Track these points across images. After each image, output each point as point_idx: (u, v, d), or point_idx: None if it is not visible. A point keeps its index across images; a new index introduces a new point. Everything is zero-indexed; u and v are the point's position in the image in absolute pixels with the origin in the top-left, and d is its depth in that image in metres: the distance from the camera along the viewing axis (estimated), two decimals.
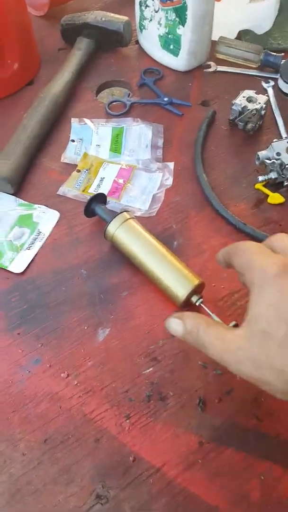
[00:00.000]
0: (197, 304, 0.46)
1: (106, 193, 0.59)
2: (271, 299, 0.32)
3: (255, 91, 0.65)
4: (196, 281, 0.46)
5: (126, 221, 0.50)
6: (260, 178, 0.58)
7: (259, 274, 0.34)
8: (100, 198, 0.54)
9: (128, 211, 0.52)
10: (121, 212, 0.51)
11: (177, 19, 0.69)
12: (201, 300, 0.46)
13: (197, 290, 0.47)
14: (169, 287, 0.47)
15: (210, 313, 0.45)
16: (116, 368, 0.45)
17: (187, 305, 0.47)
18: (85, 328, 0.48)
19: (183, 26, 0.69)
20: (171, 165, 0.61)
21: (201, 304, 0.46)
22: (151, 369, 0.45)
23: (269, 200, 0.57)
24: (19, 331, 0.48)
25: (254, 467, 0.39)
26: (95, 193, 0.59)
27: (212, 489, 0.39)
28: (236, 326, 0.42)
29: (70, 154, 0.64)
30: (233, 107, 0.64)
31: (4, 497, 0.39)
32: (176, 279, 0.47)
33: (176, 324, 0.37)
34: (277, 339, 0.31)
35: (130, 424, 0.42)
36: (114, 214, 0.51)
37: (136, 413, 0.42)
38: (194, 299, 0.46)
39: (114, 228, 0.50)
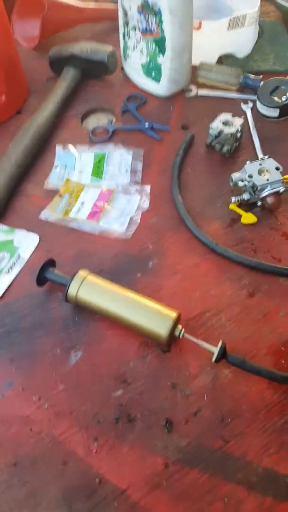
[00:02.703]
0: (180, 336, 0.46)
1: (85, 217, 0.60)
2: None
3: (231, 114, 0.66)
4: (173, 315, 0.46)
5: (85, 279, 0.48)
6: (233, 199, 0.58)
7: None
8: (49, 264, 0.51)
9: (82, 268, 0.50)
10: (76, 272, 0.49)
11: (157, 48, 0.71)
12: (183, 331, 0.46)
13: (177, 322, 0.46)
14: (150, 330, 0.46)
15: (195, 340, 0.45)
16: (86, 391, 0.45)
17: (171, 340, 0.46)
18: (58, 351, 0.48)
19: (163, 55, 0.71)
20: (147, 188, 0.62)
21: (185, 335, 0.46)
22: (120, 391, 0.45)
23: (243, 220, 0.58)
24: None
25: (218, 488, 0.39)
26: (76, 217, 0.60)
27: (175, 511, 0.38)
28: (223, 346, 0.42)
29: (53, 180, 0.65)
30: (210, 131, 0.65)
31: None
32: (154, 320, 0.45)
33: None
34: None
35: (98, 446, 0.42)
36: (68, 275, 0.49)
37: (104, 435, 0.42)
38: (177, 332, 0.46)
39: (75, 290, 0.48)
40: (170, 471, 0.40)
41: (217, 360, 0.44)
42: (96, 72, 0.80)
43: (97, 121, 0.77)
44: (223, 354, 0.44)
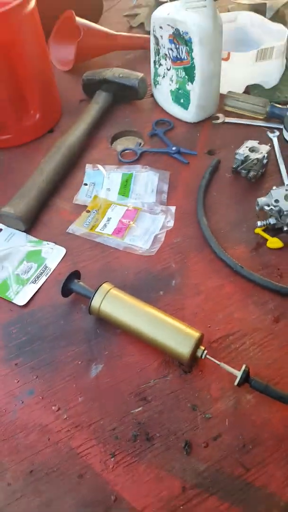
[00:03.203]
0: (202, 357, 0.45)
1: (111, 232, 0.61)
2: None
3: (258, 141, 0.68)
4: (196, 335, 0.45)
5: (108, 292, 0.49)
6: (259, 223, 0.59)
7: None
8: (74, 276, 0.52)
9: (107, 281, 0.51)
10: (100, 285, 0.50)
11: (187, 76, 0.74)
12: (205, 352, 0.46)
13: (199, 343, 0.46)
14: (173, 348, 0.45)
15: (218, 363, 0.45)
16: (105, 405, 0.45)
17: (193, 361, 0.46)
18: (79, 363, 0.48)
19: (192, 83, 0.74)
20: (173, 208, 0.64)
21: (207, 356, 0.45)
22: (140, 408, 0.45)
23: (268, 244, 0.58)
24: (16, 362, 0.49)
25: None
26: (102, 232, 0.61)
27: None
28: (247, 370, 0.42)
29: (81, 197, 0.67)
30: (236, 156, 0.67)
31: None
32: (177, 339, 0.45)
33: None
34: None
35: (115, 463, 0.41)
36: (92, 288, 0.50)
37: (121, 451, 0.42)
38: (199, 353, 0.45)
39: (99, 302, 0.48)
40: (188, 495, 0.39)
41: (239, 384, 0.43)
42: (126, 96, 0.84)
43: (126, 143, 0.79)
44: (246, 378, 0.43)
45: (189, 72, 0.73)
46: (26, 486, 0.40)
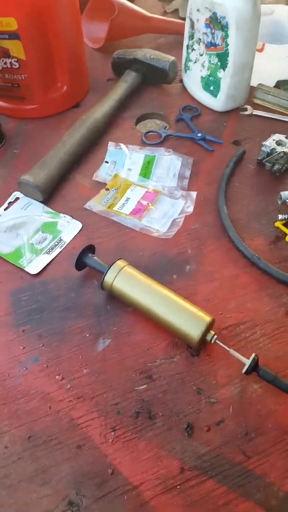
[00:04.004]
0: (212, 342, 0.45)
1: (129, 212, 0.61)
2: None
3: (285, 136, 0.67)
4: (207, 319, 0.45)
5: (122, 269, 0.49)
6: (280, 216, 0.59)
7: None
8: (89, 249, 0.52)
9: (121, 258, 0.51)
10: (115, 261, 0.50)
11: (219, 63, 0.73)
12: (215, 337, 0.46)
13: (210, 327, 0.46)
14: (182, 330, 0.45)
15: (227, 348, 0.44)
16: (110, 380, 0.45)
17: (202, 345, 0.46)
18: (87, 335, 0.48)
19: (224, 70, 0.73)
20: (194, 194, 0.63)
21: (217, 341, 0.45)
22: (144, 386, 0.45)
23: (287, 239, 0.58)
24: (24, 329, 0.49)
25: (235, 505, 0.38)
26: (119, 211, 0.61)
27: None
28: (256, 359, 0.42)
29: (102, 174, 0.67)
30: (262, 148, 0.66)
31: None
32: (188, 321, 0.45)
33: None
34: None
35: (115, 437, 0.41)
36: (106, 263, 0.50)
37: (122, 427, 0.42)
38: (208, 337, 0.45)
39: (112, 278, 0.48)
40: (186, 476, 0.39)
41: (247, 372, 0.43)
42: (155, 79, 0.83)
43: (151, 125, 0.78)
44: (254, 367, 0.43)
45: (222, 59, 0.72)
46: (23, 451, 0.41)
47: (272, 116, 0.79)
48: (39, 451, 0.41)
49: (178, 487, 0.38)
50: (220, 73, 0.74)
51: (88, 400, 0.43)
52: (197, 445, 0.41)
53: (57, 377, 0.45)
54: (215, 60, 0.74)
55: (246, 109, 0.79)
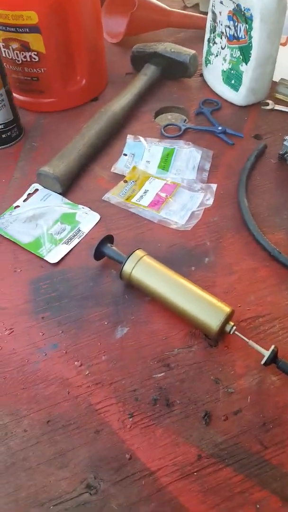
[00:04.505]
0: (231, 333, 0.46)
1: (147, 204, 0.62)
2: None
3: None
4: (227, 310, 0.46)
5: (141, 259, 0.50)
6: None
7: None
8: (108, 239, 0.54)
9: (140, 248, 0.52)
10: (134, 251, 0.51)
11: (241, 56, 0.74)
12: (234, 328, 0.47)
13: (229, 318, 0.47)
14: (201, 320, 0.46)
15: (246, 340, 0.45)
16: (128, 367, 0.46)
17: (220, 335, 0.47)
18: (105, 323, 0.50)
19: (246, 64, 0.74)
20: (214, 186, 0.64)
21: (236, 332, 0.46)
22: (162, 374, 0.46)
23: None
24: (43, 316, 0.51)
25: (251, 493, 0.39)
26: (138, 203, 0.63)
27: (203, 505, 0.38)
28: (275, 350, 0.42)
29: (120, 166, 0.69)
30: (284, 142, 0.67)
31: None
32: (207, 311, 0.46)
33: None
34: None
35: (132, 423, 0.43)
36: (125, 254, 0.52)
37: (140, 413, 0.43)
38: (228, 328, 0.46)
39: (130, 268, 0.50)
40: (203, 463, 0.40)
41: (266, 363, 0.44)
42: (175, 73, 0.85)
43: (170, 119, 0.80)
44: (273, 358, 0.44)
45: (245, 52, 0.73)
46: (42, 434, 0.42)
47: None
48: (58, 435, 0.42)
49: (195, 473, 0.40)
50: (242, 67, 0.75)
51: (107, 386, 0.45)
52: (214, 434, 0.42)
53: (76, 363, 0.47)
54: (237, 53, 0.75)
55: (267, 104, 0.80)
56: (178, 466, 0.40)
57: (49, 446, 0.41)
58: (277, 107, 0.80)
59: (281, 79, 0.81)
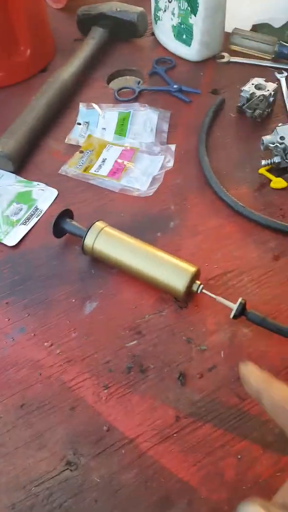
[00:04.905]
0: (198, 291, 0.46)
1: (106, 174, 0.61)
2: None
3: (264, 79, 0.66)
4: (192, 269, 0.46)
5: (102, 230, 0.50)
6: (263, 162, 0.59)
7: None
8: (66, 214, 0.52)
9: (100, 219, 0.51)
10: (93, 223, 0.50)
11: (189, 8, 0.72)
12: (201, 286, 0.46)
13: (195, 278, 0.47)
14: (168, 283, 0.46)
15: (214, 296, 0.45)
16: (99, 340, 0.46)
17: (188, 296, 0.47)
18: (73, 301, 0.49)
19: (195, 15, 0.71)
20: (172, 147, 0.63)
21: (203, 290, 0.46)
22: (134, 342, 0.46)
23: (272, 184, 0.58)
24: (7, 301, 0.50)
25: (231, 445, 0.39)
26: (96, 173, 0.61)
27: (185, 464, 0.39)
28: (243, 302, 0.42)
29: (75, 136, 0.66)
30: (242, 93, 0.66)
31: None
32: (172, 274, 0.46)
33: None
34: None
35: (108, 394, 0.42)
36: (86, 227, 0.50)
37: (115, 383, 0.43)
38: (195, 287, 0.46)
39: (92, 241, 0.49)
40: (182, 424, 0.41)
41: (235, 317, 0.44)
42: (125, 33, 0.81)
43: (124, 83, 0.77)
44: (242, 311, 0.44)
45: (192, 3, 0.70)
46: (17, 419, 0.42)
47: (251, 62, 0.77)
48: (33, 417, 0.42)
49: (174, 435, 0.40)
50: (192, 19, 0.72)
51: (79, 362, 0.45)
52: (190, 393, 0.42)
53: (45, 343, 0.46)
54: (185, 5, 0.72)
55: (223, 57, 0.78)
56: (157, 430, 0.40)
57: (25, 429, 0.41)
58: (233, 59, 0.78)
59: (235, 28, 0.79)
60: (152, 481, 0.38)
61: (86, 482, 0.38)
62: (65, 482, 0.38)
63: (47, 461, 0.40)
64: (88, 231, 0.50)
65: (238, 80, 0.73)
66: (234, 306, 0.44)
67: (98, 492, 0.38)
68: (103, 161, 0.63)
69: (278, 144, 0.57)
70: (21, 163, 0.62)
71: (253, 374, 0.33)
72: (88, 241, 0.50)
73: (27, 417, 0.42)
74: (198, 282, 0.46)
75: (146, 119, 0.67)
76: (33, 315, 0.48)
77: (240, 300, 0.44)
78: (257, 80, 0.67)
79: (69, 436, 0.41)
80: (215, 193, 0.57)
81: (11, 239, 0.55)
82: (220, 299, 0.45)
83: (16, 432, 0.41)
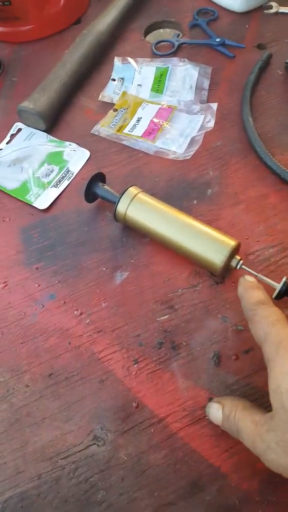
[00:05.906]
0: (238, 267, 0.40)
1: (141, 134, 0.54)
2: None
3: None
4: (232, 243, 0.40)
5: (135, 196, 0.43)
6: None
7: (274, 349, 0.29)
8: (99, 178, 0.47)
9: (134, 185, 0.45)
10: (127, 188, 0.44)
11: None
12: (241, 262, 0.40)
13: (235, 252, 0.40)
14: (205, 257, 0.40)
15: (255, 273, 0.39)
16: (130, 312, 0.41)
17: (226, 272, 0.41)
18: (104, 269, 0.44)
19: None
20: (214, 106, 0.55)
21: (243, 266, 0.40)
22: (166, 316, 0.41)
23: None
24: (37, 266, 0.45)
25: None
26: (131, 133, 0.54)
27: (216, 449, 0.35)
28: (287, 281, 0.37)
29: (109, 93, 0.59)
30: None
31: (3, 424, 0.37)
32: (210, 247, 0.40)
33: (215, 409, 0.33)
34: None
35: (138, 369, 0.38)
36: (118, 192, 0.45)
37: (145, 358, 0.39)
38: (234, 262, 0.40)
39: (125, 208, 0.43)
40: None
41: (279, 297, 0.38)
42: None
43: (162, 35, 0.68)
44: (286, 291, 0.38)
45: None
46: (45, 388, 0.39)
47: None
48: (61, 388, 0.38)
49: (206, 417, 0.36)
50: None
51: (109, 334, 0.40)
52: (225, 374, 0.37)
53: (75, 312, 0.42)
54: None
55: (271, 7, 0.67)
56: (187, 411, 0.36)
57: (53, 399, 0.38)
58: (282, 9, 0.66)
59: None
60: (181, 463, 0.34)
61: (113, 459, 0.35)
62: (92, 457, 0.35)
63: (74, 434, 0.36)
64: (121, 197, 0.44)
65: (286, 33, 0.63)
66: (278, 286, 0.37)
67: (125, 470, 0.34)
68: (138, 120, 0.55)
69: None
70: (52, 122, 0.56)
71: (242, 284, 0.35)
72: (121, 208, 0.44)
73: (55, 387, 0.38)
74: (237, 257, 0.40)
75: (185, 75, 0.58)
76: (63, 282, 0.44)
77: (284, 279, 0.37)
78: None
79: (97, 410, 0.37)
80: (260, 158, 0.50)
81: (42, 202, 0.49)
82: (262, 277, 0.39)
83: (44, 402, 0.38)
